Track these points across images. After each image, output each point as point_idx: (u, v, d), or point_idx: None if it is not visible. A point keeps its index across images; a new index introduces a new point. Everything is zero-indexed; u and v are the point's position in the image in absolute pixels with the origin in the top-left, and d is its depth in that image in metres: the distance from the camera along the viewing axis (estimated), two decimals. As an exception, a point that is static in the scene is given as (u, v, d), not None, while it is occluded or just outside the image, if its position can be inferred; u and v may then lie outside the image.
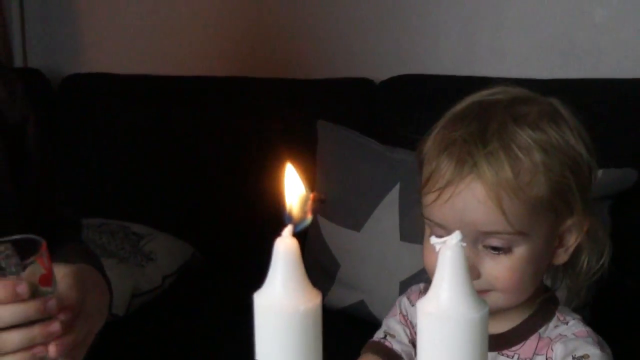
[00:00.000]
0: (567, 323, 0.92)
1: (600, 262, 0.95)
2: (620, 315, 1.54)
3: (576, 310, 1.24)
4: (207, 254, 1.87)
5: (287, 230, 0.34)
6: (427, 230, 0.89)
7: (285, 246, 0.33)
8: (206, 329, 1.59)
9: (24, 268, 0.75)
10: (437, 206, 0.83)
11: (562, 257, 0.90)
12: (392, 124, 1.92)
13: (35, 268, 0.76)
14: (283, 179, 0.39)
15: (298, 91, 2.00)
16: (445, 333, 0.32)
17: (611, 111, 1.70)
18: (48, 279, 0.76)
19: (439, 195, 0.83)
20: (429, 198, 0.85)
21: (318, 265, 1.67)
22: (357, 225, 1.65)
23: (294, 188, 0.38)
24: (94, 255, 1.06)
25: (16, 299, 0.73)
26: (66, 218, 1.11)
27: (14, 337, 0.74)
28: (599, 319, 1.47)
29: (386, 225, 1.62)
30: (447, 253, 0.36)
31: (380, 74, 2.05)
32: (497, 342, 0.90)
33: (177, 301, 1.72)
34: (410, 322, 0.98)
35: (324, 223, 1.69)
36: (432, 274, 0.86)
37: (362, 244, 1.64)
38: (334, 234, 1.69)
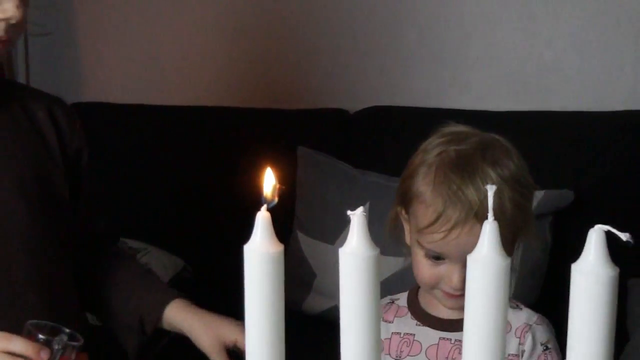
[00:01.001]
0: (521, 309, 1.09)
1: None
2: (562, 319, 1.70)
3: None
4: (196, 267, 1.95)
5: (264, 207, 0.54)
6: (420, 251, 1.02)
7: (262, 216, 0.52)
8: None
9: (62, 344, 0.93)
10: (444, 242, 0.98)
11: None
12: (365, 150, 2.03)
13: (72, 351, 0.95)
14: (263, 178, 0.59)
15: (280, 120, 2.09)
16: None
17: (555, 139, 1.86)
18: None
19: (446, 235, 0.98)
20: (435, 236, 0.98)
21: (297, 275, 1.83)
22: (331, 239, 1.80)
23: (268, 182, 0.57)
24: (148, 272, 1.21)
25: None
26: (103, 231, 1.23)
27: None
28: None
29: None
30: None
31: (354, 105, 2.14)
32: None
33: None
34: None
35: (302, 238, 1.84)
36: (425, 284, 1.01)
37: (335, 256, 1.79)
38: (311, 247, 1.82)
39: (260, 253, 0.51)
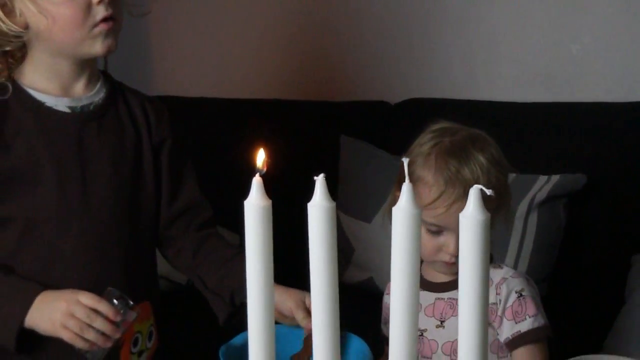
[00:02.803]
0: (502, 268, 1.26)
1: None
2: (572, 289, 1.86)
3: (537, 283, 1.59)
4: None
5: (258, 174, 0.75)
6: (423, 227, 1.18)
7: (256, 180, 0.74)
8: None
9: (127, 309, 1.15)
10: (446, 215, 1.16)
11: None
12: (403, 139, 2.17)
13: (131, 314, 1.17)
14: (257, 154, 0.80)
15: (326, 111, 2.25)
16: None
17: (576, 128, 1.98)
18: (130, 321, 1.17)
19: (447, 209, 1.16)
20: (438, 211, 1.16)
21: (337, 250, 2.04)
22: (369, 218, 1.98)
23: (260, 158, 0.79)
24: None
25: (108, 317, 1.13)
26: (198, 204, 1.35)
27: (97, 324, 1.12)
28: (553, 292, 1.82)
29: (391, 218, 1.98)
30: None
31: (394, 97, 2.28)
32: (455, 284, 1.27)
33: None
34: (384, 303, 1.34)
35: (342, 217, 2.02)
36: (427, 255, 1.19)
37: (371, 233, 1.96)
38: (350, 225, 2.01)
39: (256, 206, 0.73)
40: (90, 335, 1.12)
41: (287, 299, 1.18)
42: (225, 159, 2.20)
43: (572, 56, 2.19)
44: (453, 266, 1.20)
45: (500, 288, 1.22)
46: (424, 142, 1.23)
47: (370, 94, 2.33)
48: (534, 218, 1.81)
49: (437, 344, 1.25)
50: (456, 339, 1.21)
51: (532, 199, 1.83)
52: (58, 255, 1.20)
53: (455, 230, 1.17)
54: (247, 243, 0.76)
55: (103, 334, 1.13)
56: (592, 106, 2.04)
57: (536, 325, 1.21)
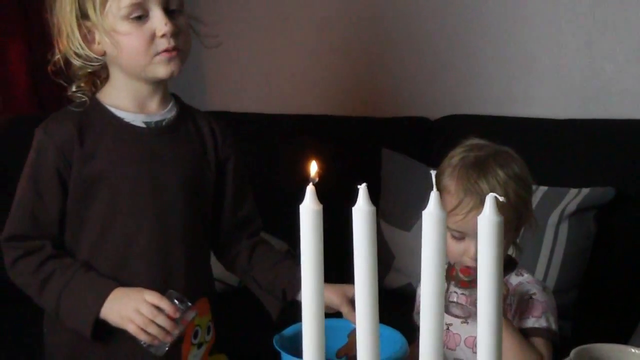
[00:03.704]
0: (523, 275, 1.38)
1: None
2: (601, 296, 1.93)
3: (567, 290, 1.68)
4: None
5: (311, 184, 0.89)
6: (447, 232, 1.29)
7: (310, 188, 0.87)
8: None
9: (186, 309, 1.29)
10: (464, 222, 1.28)
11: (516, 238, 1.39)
12: (444, 153, 2.30)
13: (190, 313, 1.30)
14: (310, 166, 0.93)
15: (370, 126, 2.36)
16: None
17: (609, 144, 2.05)
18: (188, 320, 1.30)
19: (465, 216, 1.29)
20: (457, 217, 1.28)
21: (379, 257, 2.14)
22: (408, 227, 2.09)
23: (312, 169, 0.92)
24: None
25: (169, 315, 1.26)
26: (253, 216, 1.48)
27: (159, 320, 1.26)
28: (583, 299, 1.91)
29: None
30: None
31: (435, 113, 2.37)
32: None
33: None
34: (417, 295, 1.47)
35: (384, 225, 2.13)
36: (451, 258, 1.29)
37: (411, 241, 2.07)
38: (391, 234, 2.11)
39: (311, 210, 0.87)
40: (153, 329, 1.26)
41: (333, 293, 1.31)
42: (274, 171, 2.29)
43: (605, 75, 2.25)
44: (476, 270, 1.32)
45: (515, 291, 1.33)
46: (454, 156, 1.36)
47: (411, 110, 2.43)
48: (564, 229, 1.89)
49: (461, 337, 1.36)
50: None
51: (563, 211, 1.91)
52: (129, 255, 1.35)
53: (475, 237, 1.29)
54: (302, 242, 0.90)
55: (164, 329, 1.27)
56: (622, 123, 2.10)
57: (537, 325, 1.31)
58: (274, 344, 1.26)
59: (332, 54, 2.61)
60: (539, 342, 1.31)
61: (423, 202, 2.19)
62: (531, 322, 1.32)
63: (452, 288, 1.28)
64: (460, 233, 1.31)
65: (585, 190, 1.93)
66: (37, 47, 1.42)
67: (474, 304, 1.25)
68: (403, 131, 2.35)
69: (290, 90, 2.65)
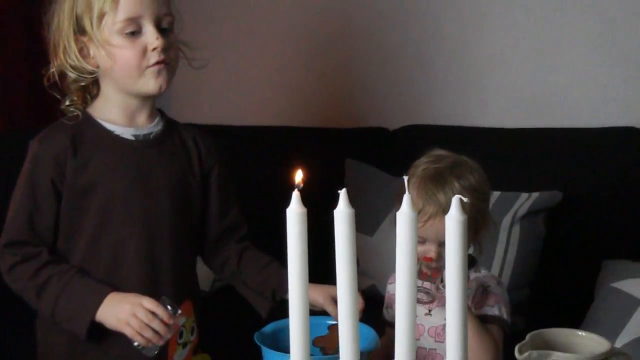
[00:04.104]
0: (481, 272, 1.50)
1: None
2: (551, 291, 2.08)
3: (521, 287, 1.81)
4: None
5: (296, 190, 1.00)
6: None
7: (295, 193, 0.99)
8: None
9: (176, 315, 1.37)
10: (423, 229, 1.39)
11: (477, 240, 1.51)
12: (402, 162, 2.30)
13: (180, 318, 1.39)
14: (296, 174, 1.04)
15: (332, 137, 2.44)
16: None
17: (554, 151, 2.21)
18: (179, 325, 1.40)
19: (424, 224, 1.39)
20: (418, 224, 1.23)
21: None
22: (371, 232, 2.19)
23: (298, 176, 1.03)
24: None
25: (164, 320, 1.34)
26: (239, 223, 1.56)
27: (155, 325, 1.34)
28: (535, 294, 2.05)
29: (390, 232, 2.16)
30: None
31: (393, 123, 2.46)
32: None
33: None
34: (387, 292, 1.58)
35: None
36: None
37: (374, 245, 2.17)
38: (356, 238, 2.26)
39: (296, 213, 0.98)
40: (148, 333, 1.34)
41: (318, 293, 1.40)
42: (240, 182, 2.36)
43: (552, 87, 2.40)
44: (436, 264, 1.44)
45: (472, 284, 1.46)
46: (418, 166, 1.48)
47: (371, 121, 2.54)
48: (516, 230, 2.03)
49: (424, 328, 1.48)
50: (439, 325, 1.46)
51: (515, 214, 2.04)
52: (120, 261, 1.43)
53: (434, 241, 1.42)
54: (289, 242, 1.00)
55: (157, 333, 1.35)
56: (567, 131, 2.25)
57: (490, 313, 1.44)
58: (255, 339, 1.37)
59: (296, 68, 2.70)
60: (492, 328, 1.43)
61: (384, 209, 2.32)
62: (485, 310, 1.44)
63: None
64: (421, 238, 1.42)
65: (534, 195, 2.07)
66: (36, 64, 1.49)
67: (437, 290, 1.37)
68: (364, 141, 2.45)
69: (256, 102, 2.73)
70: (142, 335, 1.35)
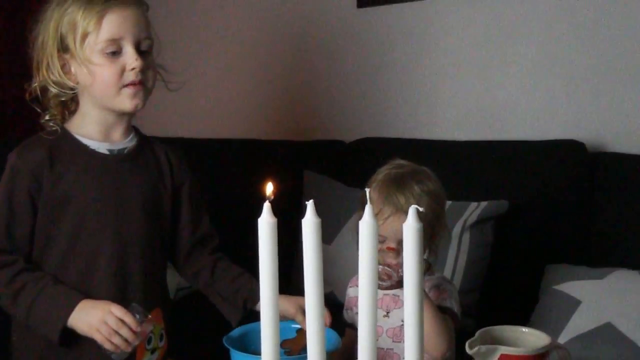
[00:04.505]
0: (434, 274, 1.61)
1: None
2: (499, 294, 2.18)
3: (471, 290, 1.91)
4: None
5: (268, 201, 1.08)
6: None
7: (266, 204, 1.07)
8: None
9: (145, 322, 1.44)
10: (383, 227, 1.48)
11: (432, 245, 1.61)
12: (357, 172, 2.26)
13: (148, 325, 1.46)
14: (266, 186, 1.13)
15: (291, 150, 2.53)
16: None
17: (501, 162, 2.29)
18: (147, 331, 1.46)
19: (383, 223, 1.49)
20: (379, 223, 1.36)
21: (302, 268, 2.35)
22: (329, 241, 2.25)
23: (268, 189, 1.12)
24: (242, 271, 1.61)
25: (131, 328, 1.40)
26: (211, 234, 1.64)
27: (123, 332, 1.40)
28: (484, 297, 2.16)
29: (348, 240, 2.21)
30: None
31: (349, 136, 2.58)
32: (399, 283, 1.57)
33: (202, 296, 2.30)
34: (347, 295, 1.67)
35: None
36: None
37: (332, 253, 2.25)
38: None
39: (267, 223, 1.06)
40: (117, 340, 1.41)
41: (290, 304, 1.49)
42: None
43: (499, 101, 2.50)
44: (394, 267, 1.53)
45: (427, 284, 1.57)
46: (380, 172, 1.58)
47: (328, 134, 2.65)
48: (467, 237, 2.13)
49: (383, 329, 1.58)
50: (397, 326, 1.56)
51: (465, 222, 2.14)
52: (93, 270, 1.49)
53: (392, 240, 1.51)
54: (261, 249, 1.08)
55: (126, 340, 1.42)
56: (513, 143, 2.35)
57: (444, 304, 1.54)
58: (224, 342, 1.45)
59: (258, 84, 2.80)
60: (446, 317, 1.54)
61: (342, 218, 2.40)
62: (440, 302, 1.54)
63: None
64: (381, 236, 1.52)
65: (483, 204, 2.18)
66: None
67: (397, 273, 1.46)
68: (322, 153, 2.55)
69: (216, 115, 2.82)
70: (110, 342, 1.41)
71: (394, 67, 2.63)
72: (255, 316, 1.54)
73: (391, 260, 1.48)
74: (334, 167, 2.50)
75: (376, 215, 1.50)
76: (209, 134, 2.65)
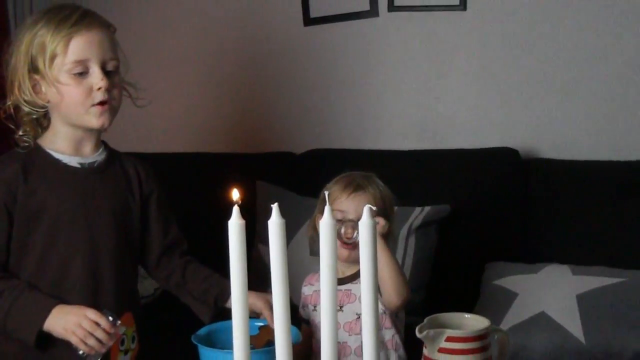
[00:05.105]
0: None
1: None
2: (443, 290, 2.31)
3: (417, 289, 2.05)
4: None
5: (236, 206, 1.20)
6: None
7: (235, 208, 1.19)
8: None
9: (117, 325, 1.53)
10: (346, 202, 1.65)
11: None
12: (307, 182, 2.46)
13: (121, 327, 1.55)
14: (232, 193, 1.24)
15: (243, 161, 2.61)
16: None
17: (442, 170, 2.45)
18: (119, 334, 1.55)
19: (347, 197, 1.65)
20: (342, 200, 1.65)
21: (259, 274, 2.44)
22: None
23: (235, 194, 1.23)
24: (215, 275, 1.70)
25: (106, 329, 1.49)
26: (180, 239, 1.73)
27: (98, 334, 1.49)
28: (430, 294, 2.30)
29: (301, 246, 2.28)
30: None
31: (299, 148, 2.65)
32: (352, 277, 1.71)
33: (165, 303, 2.30)
34: (303, 293, 1.80)
35: (262, 247, 2.40)
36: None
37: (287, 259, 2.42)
38: (268, 254, 2.42)
39: (236, 225, 1.18)
40: (91, 341, 1.50)
41: (258, 300, 1.60)
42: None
43: (439, 113, 2.65)
44: (350, 252, 1.67)
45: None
46: (336, 180, 1.73)
47: (279, 146, 2.74)
48: (412, 240, 2.26)
49: (340, 324, 1.70)
50: (352, 320, 1.68)
51: (410, 226, 2.27)
52: (66, 276, 1.58)
53: (352, 214, 1.65)
54: (231, 249, 1.19)
55: (100, 341, 1.51)
56: (454, 152, 2.50)
57: None
58: (192, 339, 1.56)
59: (208, 98, 2.87)
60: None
61: (293, 226, 2.51)
62: None
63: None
64: (342, 212, 1.66)
65: (427, 208, 2.32)
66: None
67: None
68: (273, 165, 2.64)
69: (168, 130, 2.88)
70: (85, 344, 1.50)
71: (340, 81, 2.75)
72: (226, 314, 1.64)
73: (350, 230, 1.61)
74: (285, 178, 2.58)
75: (341, 193, 1.67)
76: (160, 148, 2.72)
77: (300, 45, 2.79)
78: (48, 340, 1.54)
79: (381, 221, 1.65)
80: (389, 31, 2.69)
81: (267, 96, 2.84)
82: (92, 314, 1.51)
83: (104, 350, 1.53)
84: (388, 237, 1.71)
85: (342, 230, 1.64)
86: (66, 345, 1.53)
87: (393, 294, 1.61)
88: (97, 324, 1.51)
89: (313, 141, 2.73)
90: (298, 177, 2.58)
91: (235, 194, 1.23)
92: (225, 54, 2.88)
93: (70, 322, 1.50)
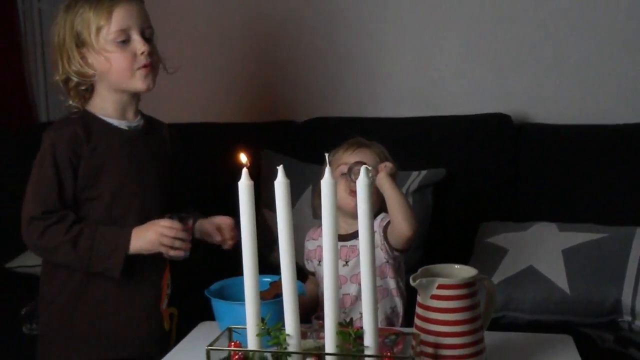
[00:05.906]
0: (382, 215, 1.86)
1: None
2: (440, 250, 2.39)
3: (415, 249, 2.17)
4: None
5: (245, 169, 1.32)
6: (341, 179, 1.80)
7: (244, 170, 1.30)
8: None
9: (183, 220, 1.71)
10: (353, 154, 1.80)
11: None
12: (309, 149, 2.60)
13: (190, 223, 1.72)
14: (240, 156, 1.35)
15: (249, 130, 2.70)
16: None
17: (439, 135, 2.54)
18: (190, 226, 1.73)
19: (353, 151, 1.81)
20: (348, 153, 1.82)
21: (264, 239, 2.55)
22: None
23: (243, 158, 1.35)
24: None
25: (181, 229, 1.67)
26: (184, 201, 1.88)
27: (180, 235, 1.65)
28: (427, 254, 2.43)
29: (304, 210, 2.42)
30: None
31: (301, 116, 2.73)
32: (356, 235, 1.79)
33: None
34: (306, 247, 1.91)
35: (266, 212, 2.51)
36: (343, 206, 1.79)
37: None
38: (273, 218, 2.45)
39: (246, 186, 1.30)
40: (177, 243, 1.66)
41: (208, 226, 1.78)
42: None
43: (434, 81, 2.73)
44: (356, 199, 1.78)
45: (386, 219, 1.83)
46: (342, 145, 1.87)
47: (282, 115, 2.82)
48: (410, 202, 2.33)
49: (346, 278, 1.83)
50: (358, 272, 1.79)
51: (408, 189, 2.37)
52: (125, 219, 1.73)
53: (355, 170, 1.77)
54: (242, 207, 1.31)
55: (183, 240, 1.66)
56: (449, 118, 2.59)
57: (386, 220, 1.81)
58: (205, 293, 1.69)
59: (212, 69, 2.94)
60: None
61: (296, 191, 2.61)
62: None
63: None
64: (348, 165, 1.79)
65: (423, 172, 2.41)
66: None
67: None
68: (277, 133, 2.73)
69: (175, 101, 2.91)
70: (173, 247, 1.67)
71: (340, 52, 2.82)
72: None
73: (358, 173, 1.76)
74: (287, 145, 2.66)
75: (347, 149, 1.83)
76: (166, 119, 2.77)
77: (301, 16, 2.85)
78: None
79: (389, 164, 1.80)
80: (386, 3, 2.76)
81: (270, 68, 2.90)
82: (165, 221, 1.68)
83: (189, 247, 1.70)
84: (395, 178, 1.83)
85: (352, 176, 1.76)
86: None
87: (405, 224, 1.72)
88: (174, 228, 1.66)
89: (314, 109, 2.80)
90: (300, 145, 2.67)
91: (244, 158, 1.35)
92: (226, 24, 2.93)
93: (151, 236, 1.67)
